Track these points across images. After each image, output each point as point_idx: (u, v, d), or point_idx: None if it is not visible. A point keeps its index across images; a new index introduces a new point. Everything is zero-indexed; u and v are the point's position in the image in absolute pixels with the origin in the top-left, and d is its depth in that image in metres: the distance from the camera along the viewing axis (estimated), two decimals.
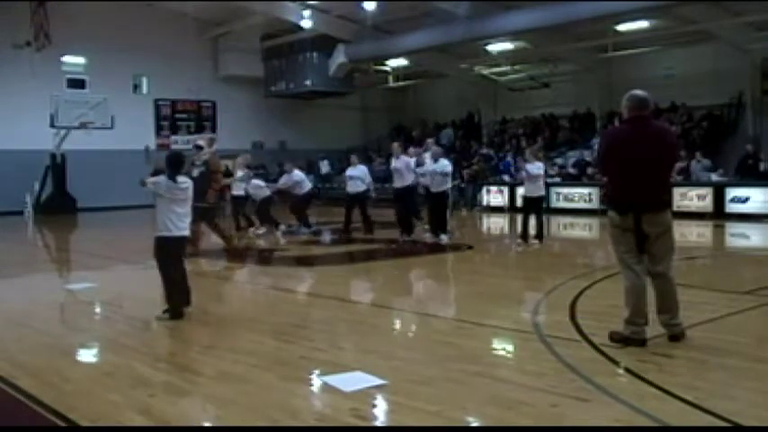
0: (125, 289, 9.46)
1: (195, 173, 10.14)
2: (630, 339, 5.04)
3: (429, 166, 12.48)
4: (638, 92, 5.15)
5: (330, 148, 28.48)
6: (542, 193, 12.22)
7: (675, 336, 5.13)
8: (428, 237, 12.61)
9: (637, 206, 5.02)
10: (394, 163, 13.18)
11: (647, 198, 5.01)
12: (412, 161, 12.96)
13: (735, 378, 4.45)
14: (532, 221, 11.95)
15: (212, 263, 10.59)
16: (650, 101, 5.15)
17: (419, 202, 13.50)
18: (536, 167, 11.98)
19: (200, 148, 10.90)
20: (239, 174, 14.30)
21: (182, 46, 24.80)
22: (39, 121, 21.02)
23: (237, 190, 14.20)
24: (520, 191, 13.37)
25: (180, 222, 6.47)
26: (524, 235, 11.92)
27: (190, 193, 6.62)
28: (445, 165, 12.28)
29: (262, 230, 14.19)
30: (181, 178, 6.52)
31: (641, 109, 5.10)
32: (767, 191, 16.41)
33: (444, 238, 12.12)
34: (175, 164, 6.57)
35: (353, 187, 13.55)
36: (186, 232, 6.64)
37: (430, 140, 14.60)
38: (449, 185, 12.38)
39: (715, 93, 20.38)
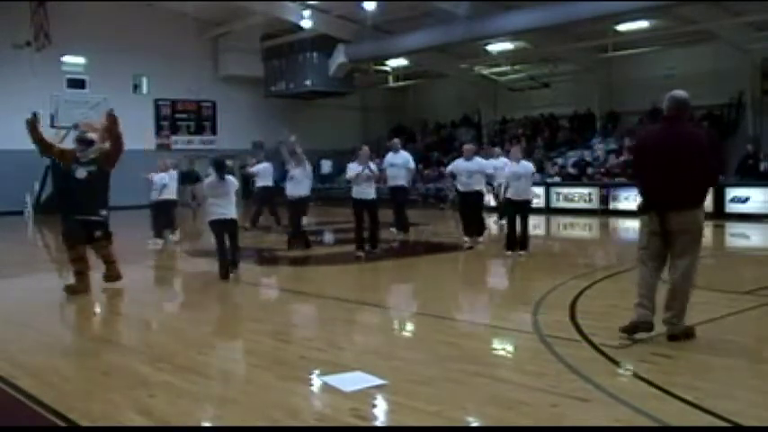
0: (125, 289, 9.47)
1: (81, 173, 7.79)
2: (639, 324, 5.11)
3: (461, 166, 11.90)
4: (678, 93, 5.24)
5: (330, 148, 28.50)
6: (528, 197, 10.69)
7: (674, 336, 5.13)
8: (466, 241, 11.76)
9: (660, 204, 5.14)
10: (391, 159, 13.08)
11: (670, 196, 5.10)
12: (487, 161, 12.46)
13: (735, 378, 4.45)
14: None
15: (211, 263, 10.56)
16: (687, 102, 5.23)
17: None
18: (500, 163, 11.35)
19: (89, 143, 7.95)
20: (162, 176, 13.21)
21: (182, 46, 24.80)
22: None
23: (167, 194, 13.19)
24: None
25: (219, 209, 8.82)
26: (510, 243, 10.55)
27: (229, 188, 8.82)
28: (485, 164, 11.99)
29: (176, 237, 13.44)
30: (229, 177, 8.87)
31: (676, 110, 5.20)
32: (767, 191, 16.41)
33: (467, 240, 11.64)
34: (220, 166, 8.91)
35: (294, 190, 11.51)
36: (224, 216, 8.83)
37: (396, 140, 14.22)
38: (483, 186, 11.96)
39: (715, 93, 20.36)
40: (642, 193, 5.36)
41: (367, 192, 10.67)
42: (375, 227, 10.98)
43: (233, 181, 9.01)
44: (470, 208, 11.86)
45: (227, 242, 9.00)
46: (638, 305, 5.18)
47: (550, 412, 3.87)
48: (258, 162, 15.40)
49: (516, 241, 10.40)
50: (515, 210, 10.54)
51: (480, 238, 11.85)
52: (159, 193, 13.13)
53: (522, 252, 10.33)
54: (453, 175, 12.15)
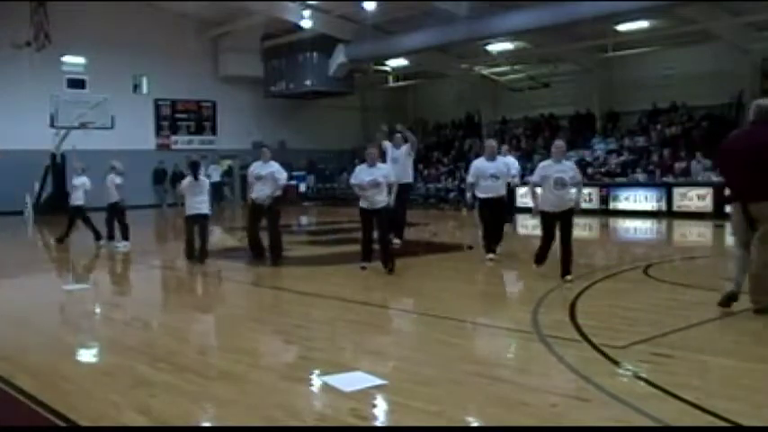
0: (124, 289, 9.48)
1: None
2: (731, 294, 6.00)
3: (482, 167, 9.90)
4: (763, 101, 6.04)
5: (330, 148, 28.52)
6: (571, 205, 8.38)
7: (760, 310, 5.87)
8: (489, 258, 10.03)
9: (744, 196, 5.92)
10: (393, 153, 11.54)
11: (751, 190, 5.82)
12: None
13: (735, 378, 4.45)
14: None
15: (211, 262, 10.57)
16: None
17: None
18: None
19: None
20: (82, 180, 12.78)
21: (182, 46, 24.83)
22: (39, 121, 21.02)
23: (78, 199, 12.86)
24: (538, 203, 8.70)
25: (196, 205, 10.28)
26: (540, 258, 8.75)
27: (203, 187, 10.39)
28: (511, 163, 10.75)
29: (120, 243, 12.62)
30: (196, 178, 10.36)
31: (760, 116, 5.96)
32: None
33: (491, 258, 9.98)
34: (194, 167, 10.51)
35: (260, 192, 10.19)
36: (198, 212, 10.27)
37: (399, 134, 12.33)
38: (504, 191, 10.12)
39: (715, 93, 20.38)
40: (729, 187, 6.20)
41: (376, 200, 9.01)
42: (385, 242, 9.31)
43: (205, 181, 10.61)
44: (493, 216, 10.01)
45: (198, 235, 10.33)
46: (733, 280, 6.06)
47: (550, 412, 3.87)
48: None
49: (546, 256, 8.57)
50: (553, 222, 8.41)
51: (498, 248, 10.34)
52: (79, 196, 12.86)
53: (568, 277, 8.11)
54: (472, 185, 9.96)
